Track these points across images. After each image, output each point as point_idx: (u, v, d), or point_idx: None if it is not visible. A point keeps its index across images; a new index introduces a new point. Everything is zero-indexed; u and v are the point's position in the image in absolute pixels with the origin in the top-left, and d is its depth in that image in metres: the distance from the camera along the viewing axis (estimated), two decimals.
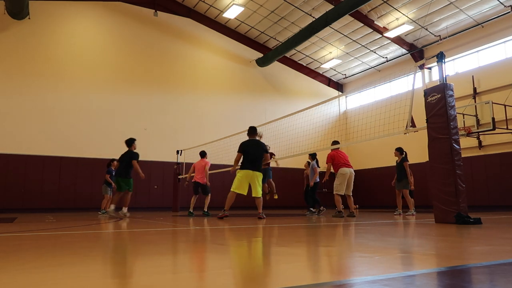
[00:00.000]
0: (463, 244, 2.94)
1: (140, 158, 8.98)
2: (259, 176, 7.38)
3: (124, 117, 14.95)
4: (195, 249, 2.84)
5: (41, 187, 13.14)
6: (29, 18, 13.60)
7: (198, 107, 16.55)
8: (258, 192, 7.35)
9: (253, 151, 7.43)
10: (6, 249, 2.76)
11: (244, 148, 7.50)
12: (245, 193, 7.38)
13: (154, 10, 16.13)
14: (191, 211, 9.62)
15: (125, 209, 8.49)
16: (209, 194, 9.91)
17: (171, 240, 3.53)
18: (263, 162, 7.62)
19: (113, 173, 10.30)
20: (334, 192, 8.61)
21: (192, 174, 10.43)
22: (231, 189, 7.40)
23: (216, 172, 13.05)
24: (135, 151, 8.84)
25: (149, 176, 14.83)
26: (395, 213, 9.77)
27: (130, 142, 8.92)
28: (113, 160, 10.46)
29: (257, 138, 8.02)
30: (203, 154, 10.17)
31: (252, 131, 7.79)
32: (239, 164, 7.59)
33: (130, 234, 4.08)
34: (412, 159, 14.05)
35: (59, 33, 14.41)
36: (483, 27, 14.14)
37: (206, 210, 9.74)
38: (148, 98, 15.56)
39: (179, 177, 13.81)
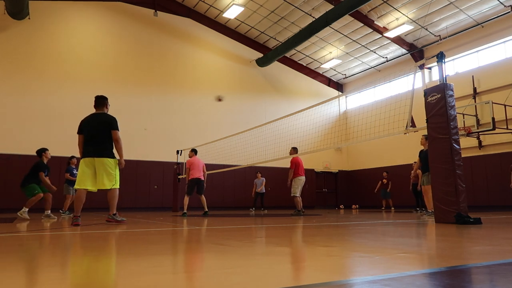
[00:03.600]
0: (463, 244, 2.94)
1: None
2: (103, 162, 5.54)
3: (124, 117, 14.85)
4: (195, 249, 2.84)
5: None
6: (29, 18, 13.59)
7: (198, 107, 16.55)
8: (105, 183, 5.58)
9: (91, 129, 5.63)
10: (6, 249, 2.76)
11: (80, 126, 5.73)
12: (91, 188, 5.67)
13: (154, 10, 16.13)
14: (186, 212, 9.14)
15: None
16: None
17: (171, 240, 3.53)
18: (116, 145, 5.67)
19: (74, 171, 9.96)
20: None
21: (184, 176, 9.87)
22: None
23: (217, 172, 13.08)
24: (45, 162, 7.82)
25: (149, 176, 14.84)
26: (427, 214, 8.42)
27: (39, 152, 8.02)
28: (72, 157, 10.25)
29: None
30: (196, 152, 9.87)
31: (98, 102, 5.84)
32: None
33: (130, 234, 4.08)
34: (412, 159, 14.08)
35: (59, 33, 14.41)
36: (483, 27, 14.14)
37: (207, 210, 9.52)
38: (148, 98, 15.55)
39: (179, 177, 13.81)
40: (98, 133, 5.58)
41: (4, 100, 13.12)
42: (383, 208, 15.01)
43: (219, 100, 7.63)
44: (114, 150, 5.75)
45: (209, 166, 12.32)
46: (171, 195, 14.17)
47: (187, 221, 6.78)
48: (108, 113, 5.92)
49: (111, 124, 5.65)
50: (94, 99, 5.90)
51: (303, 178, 9.84)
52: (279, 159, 10.53)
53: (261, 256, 2.39)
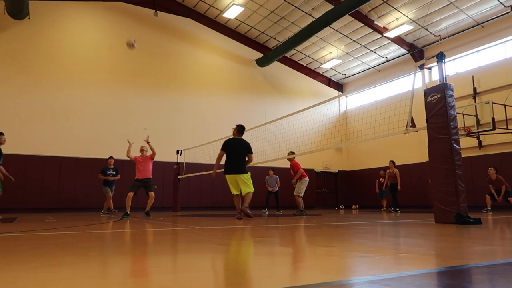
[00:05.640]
0: (463, 244, 2.94)
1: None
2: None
3: (124, 117, 14.94)
4: (195, 249, 2.84)
5: (41, 187, 13.13)
6: (29, 18, 13.58)
7: (198, 107, 16.55)
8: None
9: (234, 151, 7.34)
10: (6, 249, 2.77)
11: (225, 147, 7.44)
12: (237, 193, 7.31)
13: (154, 10, 16.12)
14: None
15: None
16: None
17: (172, 240, 3.53)
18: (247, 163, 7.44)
19: (107, 172, 10.14)
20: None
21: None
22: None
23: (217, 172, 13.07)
24: None
25: None
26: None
27: None
28: (110, 158, 10.41)
29: None
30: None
31: (239, 130, 7.53)
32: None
33: (130, 234, 4.08)
34: (412, 159, 14.10)
35: (59, 34, 14.40)
36: (483, 27, 14.14)
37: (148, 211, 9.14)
38: (148, 98, 15.55)
39: (179, 177, 13.83)
40: (240, 156, 7.30)
41: (3, 100, 13.10)
42: (383, 208, 14.98)
43: (131, 45, 6.87)
44: None
45: (209, 166, 12.33)
46: (171, 195, 14.16)
47: (187, 221, 6.77)
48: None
49: (249, 149, 7.39)
50: (236, 126, 7.53)
51: (308, 179, 9.90)
52: (279, 159, 10.52)
53: (262, 256, 2.39)
